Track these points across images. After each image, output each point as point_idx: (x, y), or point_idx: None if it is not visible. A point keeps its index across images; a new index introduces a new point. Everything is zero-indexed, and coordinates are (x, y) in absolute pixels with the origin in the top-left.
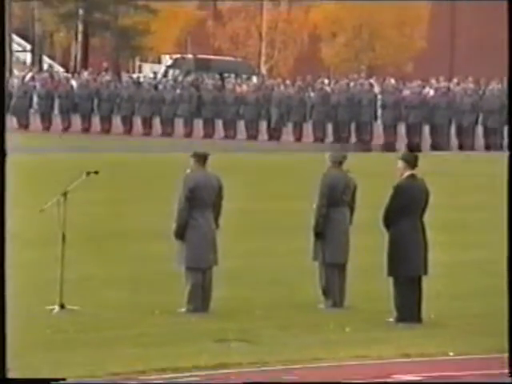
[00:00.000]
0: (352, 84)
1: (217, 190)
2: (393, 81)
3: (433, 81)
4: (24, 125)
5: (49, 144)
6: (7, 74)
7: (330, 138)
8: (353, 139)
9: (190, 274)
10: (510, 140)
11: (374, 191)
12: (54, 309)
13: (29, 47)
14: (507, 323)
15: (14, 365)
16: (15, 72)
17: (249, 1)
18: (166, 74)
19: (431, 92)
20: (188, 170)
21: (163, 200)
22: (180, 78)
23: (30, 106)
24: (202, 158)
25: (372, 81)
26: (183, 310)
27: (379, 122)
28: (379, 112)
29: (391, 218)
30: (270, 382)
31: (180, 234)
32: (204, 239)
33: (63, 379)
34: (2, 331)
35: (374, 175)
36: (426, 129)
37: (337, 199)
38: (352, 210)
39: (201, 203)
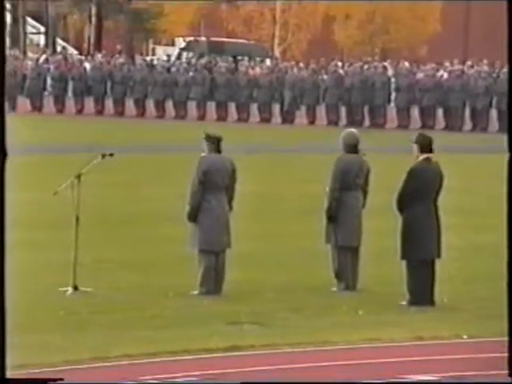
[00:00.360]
0: (366, 67)
1: (230, 173)
2: (407, 64)
3: (447, 63)
4: (38, 107)
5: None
6: (21, 55)
7: (343, 121)
8: (366, 122)
9: (203, 257)
10: (509, 140)
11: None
12: (67, 290)
13: (43, 29)
14: (507, 324)
15: (26, 344)
16: (29, 54)
17: None
18: (179, 57)
19: (445, 75)
20: (202, 153)
21: (176, 183)
22: (193, 61)
23: (44, 88)
24: (215, 141)
25: (386, 64)
26: (196, 292)
27: (392, 104)
28: (393, 95)
29: (405, 201)
30: (270, 382)
31: (193, 216)
32: (217, 222)
33: (61, 379)
34: (1, 331)
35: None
36: (440, 111)
37: (350, 183)
38: (365, 193)
39: (214, 186)
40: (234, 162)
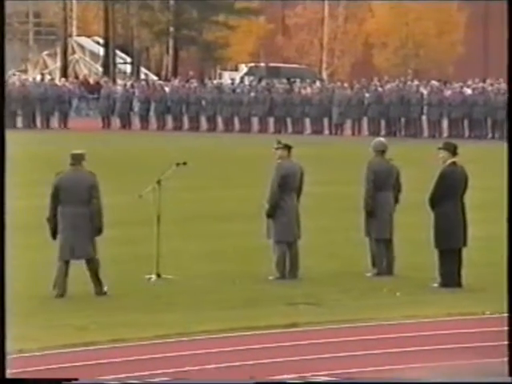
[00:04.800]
0: (401, 85)
1: (299, 176)
2: (436, 82)
3: (469, 82)
4: (126, 125)
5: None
6: (111, 83)
7: (383, 131)
8: (402, 133)
9: (278, 246)
10: (509, 139)
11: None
12: (151, 278)
13: (129, 60)
14: (507, 325)
15: (120, 322)
16: (118, 81)
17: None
18: (242, 80)
19: (469, 91)
20: (278, 160)
21: (242, 186)
22: (254, 84)
23: (131, 109)
24: (288, 149)
25: (418, 83)
26: (271, 277)
27: (424, 117)
28: (425, 109)
29: (436, 199)
30: (277, 381)
31: (271, 213)
32: (290, 217)
33: (76, 379)
34: (2, 331)
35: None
36: (466, 123)
37: (381, 184)
38: (397, 192)
39: (289, 187)
40: (303, 167)
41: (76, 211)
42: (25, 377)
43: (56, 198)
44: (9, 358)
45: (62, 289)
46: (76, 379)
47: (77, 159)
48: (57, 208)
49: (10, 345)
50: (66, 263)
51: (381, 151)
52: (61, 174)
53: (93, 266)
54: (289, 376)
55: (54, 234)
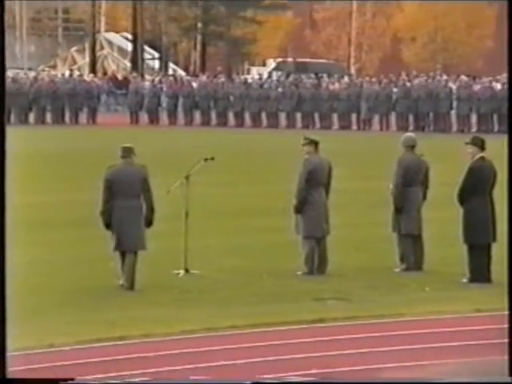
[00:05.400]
0: (429, 80)
1: (327, 172)
2: (465, 77)
3: (499, 76)
4: (154, 120)
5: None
6: (139, 78)
7: (411, 126)
8: (431, 128)
9: (306, 242)
10: (509, 139)
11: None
12: (179, 273)
13: (157, 56)
14: (507, 326)
15: (149, 317)
16: (146, 76)
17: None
18: (270, 76)
19: (498, 86)
20: (305, 156)
21: (268, 182)
22: (282, 79)
23: (159, 104)
24: (315, 144)
25: (447, 77)
26: (299, 273)
27: (452, 112)
28: (454, 104)
29: (465, 195)
30: (277, 381)
31: (299, 208)
32: (319, 212)
33: (72, 379)
34: (2, 331)
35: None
36: (495, 118)
37: (410, 179)
38: (425, 188)
39: (316, 182)
40: (331, 162)
41: (129, 204)
42: (52, 371)
43: (109, 190)
44: (41, 351)
45: (129, 281)
46: (72, 379)
47: (127, 152)
48: (110, 200)
49: (38, 339)
50: (123, 254)
51: (411, 146)
52: (113, 168)
53: (135, 259)
54: (312, 372)
55: (107, 226)
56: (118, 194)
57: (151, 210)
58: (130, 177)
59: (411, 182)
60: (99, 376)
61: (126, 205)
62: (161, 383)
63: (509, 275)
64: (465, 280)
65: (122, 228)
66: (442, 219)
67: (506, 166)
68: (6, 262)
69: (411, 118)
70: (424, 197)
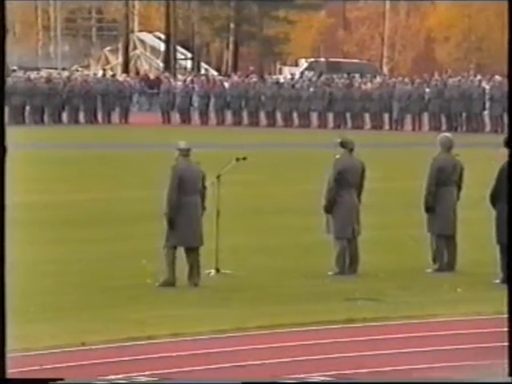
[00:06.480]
0: (463, 80)
1: (360, 172)
2: (499, 77)
3: None
4: (185, 120)
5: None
6: (172, 78)
7: (443, 126)
8: (463, 128)
9: (337, 242)
10: (509, 139)
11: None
12: (210, 272)
13: (189, 55)
14: (507, 327)
15: (179, 315)
16: (179, 76)
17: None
18: (302, 75)
19: None
20: (337, 156)
21: (298, 181)
22: (314, 79)
23: (191, 104)
24: (348, 145)
25: (480, 77)
26: (330, 273)
27: (485, 113)
28: (487, 104)
29: (497, 195)
30: (278, 381)
31: (328, 208)
32: (349, 213)
33: (61, 379)
34: (2, 331)
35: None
36: None
37: (445, 179)
38: (459, 188)
39: (347, 183)
40: (364, 162)
41: (195, 200)
42: (79, 369)
43: (179, 188)
44: (71, 349)
45: (196, 279)
46: (61, 379)
47: (187, 150)
48: (178, 197)
49: (69, 337)
50: (186, 251)
51: (447, 147)
52: (179, 165)
53: (198, 255)
54: (342, 372)
55: (172, 223)
56: (186, 191)
57: (204, 207)
58: (195, 174)
59: (446, 181)
60: (104, 376)
61: (192, 201)
62: (166, 383)
63: (508, 276)
64: (497, 281)
65: (192, 224)
66: (476, 219)
67: (507, 166)
68: (5, 262)
69: (444, 118)
70: (458, 197)
